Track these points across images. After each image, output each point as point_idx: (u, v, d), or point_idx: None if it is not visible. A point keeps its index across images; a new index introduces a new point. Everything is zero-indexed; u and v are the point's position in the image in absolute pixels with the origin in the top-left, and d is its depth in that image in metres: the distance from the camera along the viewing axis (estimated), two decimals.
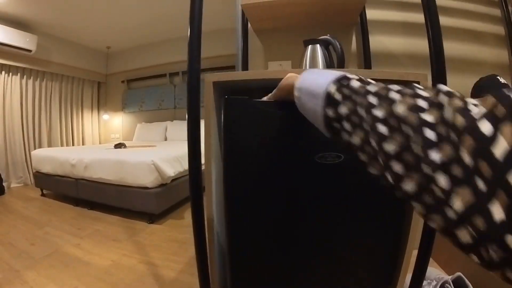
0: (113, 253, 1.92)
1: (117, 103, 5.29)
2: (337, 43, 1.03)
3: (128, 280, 1.59)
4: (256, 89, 1.08)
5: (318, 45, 1.06)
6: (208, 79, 0.91)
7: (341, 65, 1.04)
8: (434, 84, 0.79)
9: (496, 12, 1.48)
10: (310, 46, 1.08)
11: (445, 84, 0.78)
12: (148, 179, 2.40)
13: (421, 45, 1.29)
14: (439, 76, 0.80)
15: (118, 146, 3.44)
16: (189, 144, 0.90)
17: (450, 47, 1.40)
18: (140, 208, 2.51)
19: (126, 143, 3.70)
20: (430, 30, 0.85)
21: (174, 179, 2.66)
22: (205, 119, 0.91)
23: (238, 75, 0.93)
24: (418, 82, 0.78)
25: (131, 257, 1.86)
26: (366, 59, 1.35)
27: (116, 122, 5.37)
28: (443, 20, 1.42)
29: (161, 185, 2.51)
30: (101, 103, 5.45)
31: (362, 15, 1.37)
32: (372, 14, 1.41)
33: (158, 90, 4.76)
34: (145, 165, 2.41)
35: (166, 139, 4.35)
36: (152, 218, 2.49)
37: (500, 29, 1.47)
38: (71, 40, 4.46)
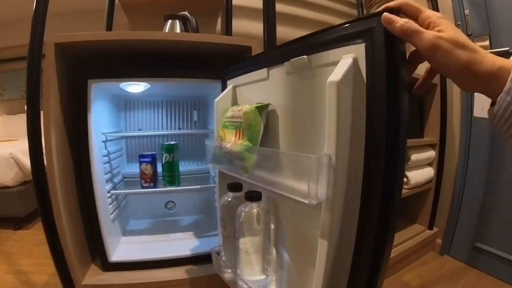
0: None
1: None
2: (193, 19, 1.09)
3: None
4: (115, 55, 1.05)
5: (177, 20, 1.10)
6: (50, 41, 0.83)
7: None
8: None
9: (354, 12, 1.86)
10: (169, 20, 1.10)
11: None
12: (7, 176, 2.06)
13: (281, 31, 1.45)
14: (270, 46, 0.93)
15: None
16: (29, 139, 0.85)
17: None
18: (2, 213, 2.13)
19: None
20: (266, 11, 0.99)
21: None
22: (44, 100, 0.83)
23: (90, 35, 0.87)
24: (250, 47, 0.91)
25: None
26: None
27: None
28: (308, 14, 1.67)
29: (24, 183, 2.17)
30: None
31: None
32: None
33: (22, 75, 3.85)
34: (2, 160, 2.05)
35: None
36: (18, 223, 2.14)
37: None
38: None
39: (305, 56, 0.54)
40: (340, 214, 0.48)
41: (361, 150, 0.46)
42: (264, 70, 0.67)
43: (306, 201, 0.47)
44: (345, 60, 0.46)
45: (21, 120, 3.41)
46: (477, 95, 1.45)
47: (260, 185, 0.60)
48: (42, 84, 0.86)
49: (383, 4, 0.44)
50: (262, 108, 0.63)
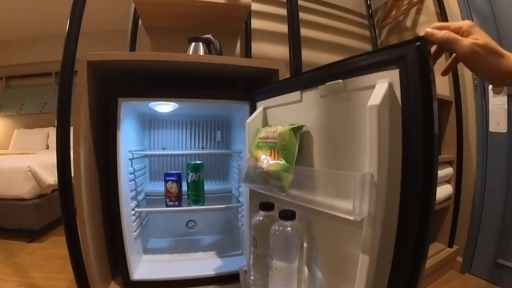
0: None
1: None
2: (217, 42, 1.12)
3: None
4: (141, 74, 1.08)
5: (200, 43, 1.13)
6: (83, 58, 0.86)
7: None
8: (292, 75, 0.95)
9: (367, 33, 1.91)
10: (193, 43, 1.14)
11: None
12: (24, 189, 2.07)
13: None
14: (296, 72, 0.96)
15: None
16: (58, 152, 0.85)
17: (326, 58, 1.68)
18: (16, 224, 2.13)
19: (0, 151, 3.13)
20: (291, 37, 1.01)
21: (56, 189, 2.31)
22: (75, 114, 0.85)
23: (121, 55, 0.91)
24: (278, 70, 0.94)
25: (8, 281, 1.59)
26: None
27: None
28: (323, 36, 1.72)
29: (40, 196, 2.19)
30: None
31: (247, 23, 1.50)
32: (256, 23, 1.56)
33: (41, 90, 4.15)
34: (20, 172, 2.08)
35: (48, 148, 3.78)
36: (31, 235, 2.15)
37: (368, 47, 1.89)
38: None
39: (340, 81, 0.57)
40: (380, 229, 0.49)
41: (398, 168, 0.48)
42: (297, 92, 0.69)
43: (351, 218, 0.49)
44: (381, 85, 0.49)
45: (38, 134, 3.47)
46: (491, 111, 1.46)
47: (299, 203, 0.62)
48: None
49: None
50: (296, 129, 0.65)
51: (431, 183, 0.47)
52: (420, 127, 0.46)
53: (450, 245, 1.55)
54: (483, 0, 1.48)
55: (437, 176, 0.49)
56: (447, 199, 1.51)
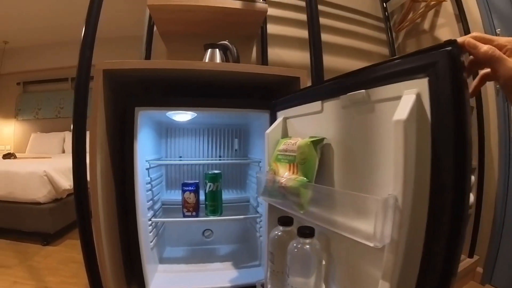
0: (2, 281, 1.64)
1: (10, 108, 4.48)
2: (234, 49, 1.11)
3: None
4: (156, 82, 1.08)
5: (217, 49, 1.12)
6: (99, 67, 0.86)
7: None
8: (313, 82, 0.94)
9: (383, 36, 1.87)
10: (209, 49, 1.13)
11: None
12: (40, 193, 2.12)
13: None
14: (318, 79, 0.93)
15: (7, 156, 2.99)
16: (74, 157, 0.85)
17: (342, 62, 1.65)
18: (32, 228, 2.18)
19: (18, 155, 3.21)
20: (312, 43, 0.99)
21: (71, 194, 2.35)
22: (91, 122, 0.85)
23: (138, 63, 0.90)
24: (299, 78, 0.91)
25: (23, 284, 1.63)
26: None
27: (7, 131, 4.52)
28: (339, 40, 1.69)
29: (56, 200, 2.23)
30: None
31: (263, 28, 1.49)
32: (272, 28, 1.55)
33: (57, 95, 4.27)
34: (36, 177, 2.12)
35: (64, 152, 3.88)
36: (47, 238, 2.19)
37: (385, 50, 1.86)
38: None
39: (363, 91, 0.53)
40: (403, 255, 0.45)
41: (425, 190, 0.43)
42: (318, 103, 0.66)
43: (371, 244, 0.45)
44: (408, 96, 0.45)
45: (54, 138, 3.54)
46: None
47: (317, 223, 0.59)
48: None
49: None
50: (317, 142, 0.63)
51: (463, 208, 0.41)
52: (451, 145, 0.41)
53: (471, 255, 1.51)
54: (504, 2, 1.43)
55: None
56: (469, 208, 1.46)
